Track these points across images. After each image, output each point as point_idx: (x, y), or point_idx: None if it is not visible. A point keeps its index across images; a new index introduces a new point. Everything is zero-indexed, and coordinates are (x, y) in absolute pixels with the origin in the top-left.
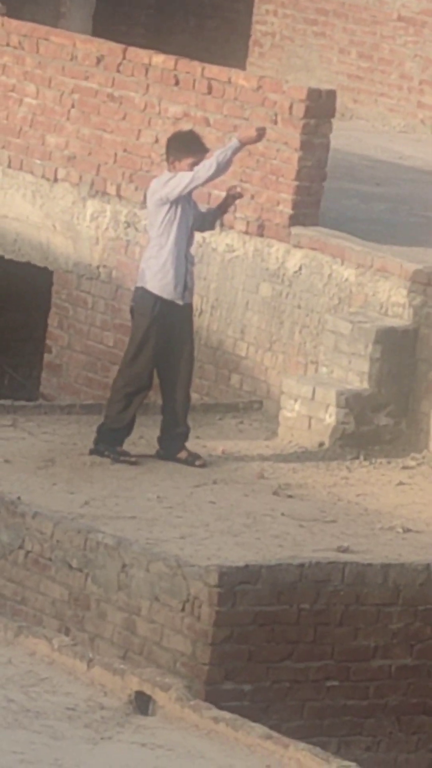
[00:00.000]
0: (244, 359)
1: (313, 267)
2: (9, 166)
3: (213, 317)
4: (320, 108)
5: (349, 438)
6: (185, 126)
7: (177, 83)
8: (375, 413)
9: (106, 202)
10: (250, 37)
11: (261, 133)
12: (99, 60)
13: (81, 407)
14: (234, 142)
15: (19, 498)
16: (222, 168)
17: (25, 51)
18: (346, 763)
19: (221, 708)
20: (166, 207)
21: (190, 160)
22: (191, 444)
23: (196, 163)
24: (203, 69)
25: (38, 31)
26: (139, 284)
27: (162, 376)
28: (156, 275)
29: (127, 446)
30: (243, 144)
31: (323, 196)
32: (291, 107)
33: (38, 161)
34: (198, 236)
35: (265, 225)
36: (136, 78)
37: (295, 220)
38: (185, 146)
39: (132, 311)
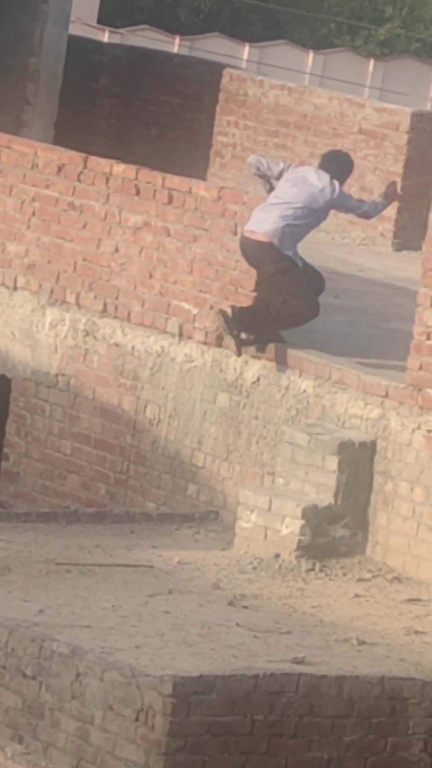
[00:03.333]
0: (201, 469)
1: (271, 378)
2: None
3: (170, 427)
4: None
5: (305, 549)
6: (145, 236)
7: (138, 193)
8: (331, 525)
9: (66, 310)
10: (211, 148)
11: (394, 186)
12: (60, 168)
13: (37, 515)
14: (383, 202)
15: None
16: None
17: None
18: None
19: None
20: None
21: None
22: (148, 553)
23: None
24: (164, 179)
25: (0, 139)
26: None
27: None
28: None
29: (82, 554)
30: (389, 203)
31: None
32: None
33: None
34: (157, 346)
35: (224, 336)
36: (96, 187)
37: None
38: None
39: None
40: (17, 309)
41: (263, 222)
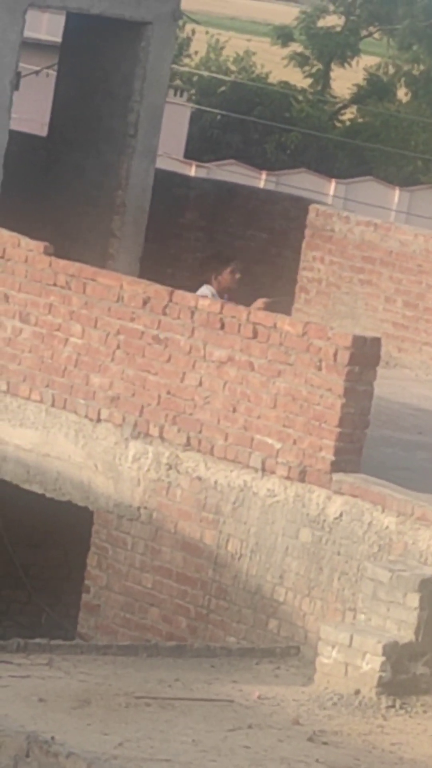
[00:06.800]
0: (282, 604)
1: (353, 514)
2: (53, 405)
3: (252, 561)
4: (365, 355)
5: (385, 686)
6: (230, 370)
7: (222, 327)
8: (412, 662)
9: (149, 443)
10: (296, 283)
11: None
12: (145, 302)
13: (118, 648)
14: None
15: (53, 738)
16: None
17: (71, 291)
18: None
19: None
20: None
21: (229, 269)
22: (227, 688)
23: (232, 271)
24: (249, 313)
25: (85, 272)
26: None
27: None
28: None
29: (162, 688)
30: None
31: (365, 443)
32: (336, 354)
33: (82, 401)
34: (239, 480)
35: (307, 471)
36: (181, 321)
37: (336, 466)
38: (221, 263)
39: None
40: (100, 441)
41: None
